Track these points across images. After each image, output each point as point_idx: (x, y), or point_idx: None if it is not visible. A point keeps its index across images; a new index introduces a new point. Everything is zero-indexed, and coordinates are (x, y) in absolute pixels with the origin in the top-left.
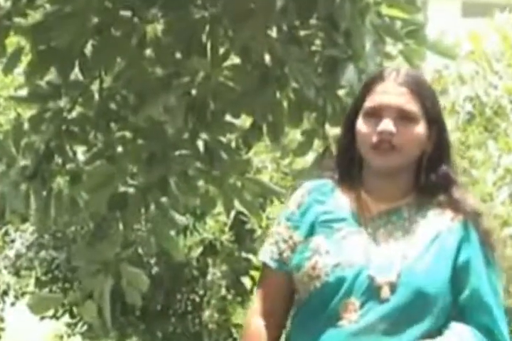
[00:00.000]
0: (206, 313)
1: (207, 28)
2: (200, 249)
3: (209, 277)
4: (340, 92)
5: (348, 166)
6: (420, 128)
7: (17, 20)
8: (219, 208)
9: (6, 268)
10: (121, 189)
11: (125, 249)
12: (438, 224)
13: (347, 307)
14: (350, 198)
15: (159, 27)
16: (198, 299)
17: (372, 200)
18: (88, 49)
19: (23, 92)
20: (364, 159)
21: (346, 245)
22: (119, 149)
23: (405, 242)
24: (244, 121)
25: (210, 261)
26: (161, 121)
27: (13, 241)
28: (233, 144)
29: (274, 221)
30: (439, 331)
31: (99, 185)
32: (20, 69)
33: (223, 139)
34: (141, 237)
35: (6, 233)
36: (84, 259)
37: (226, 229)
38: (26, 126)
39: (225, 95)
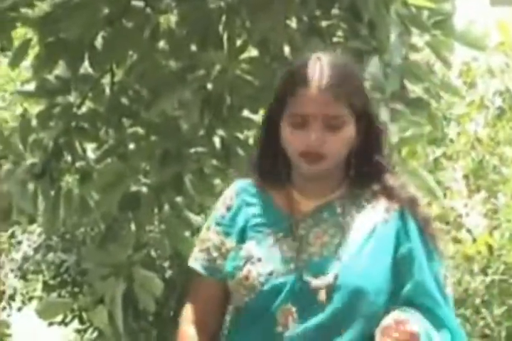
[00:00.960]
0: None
1: (223, 18)
2: None
3: None
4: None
5: (274, 165)
6: (349, 131)
7: (24, 11)
8: None
9: (12, 271)
10: (134, 188)
11: (137, 251)
12: (373, 216)
13: (284, 314)
14: (281, 198)
15: (173, 18)
16: None
17: (303, 198)
18: (98, 41)
19: (31, 87)
20: (292, 161)
21: (278, 251)
22: (131, 146)
23: (340, 240)
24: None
25: None
26: (175, 116)
27: (19, 243)
28: (251, 141)
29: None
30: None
31: (110, 184)
32: (26, 62)
33: (240, 136)
34: (154, 239)
35: (13, 235)
36: (95, 262)
37: None
38: (34, 122)
39: (243, 89)
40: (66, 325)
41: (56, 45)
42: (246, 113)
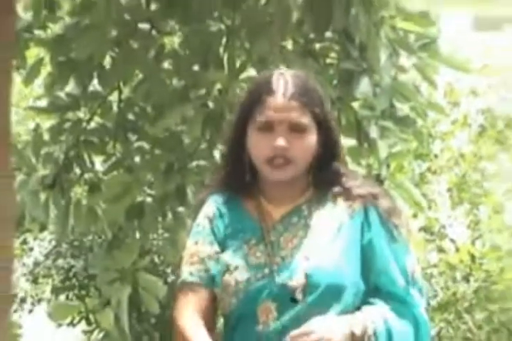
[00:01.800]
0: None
1: (224, 40)
2: None
3: None
4: (355, 104)
5: (242, 176)
6: (311, 137)
7: (37, 32)
8: None
9: (24, 275)
10: (139, 198)
11: (142, 258)
12: (338, 214)
13: (265, 313)
14: (252, 207)
15: (177, 39)
16: None
17: (273, 206)
18: (107, 61)
19: (43, 103)
20: (259, 170)
21: (252, 258)
22: (137, 159)
23: (309, 241)
24: None
25: None
26: (178, 131)
27: (31, 249)
28: None
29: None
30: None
31: (117, 195)
32: (39, 80)
33: None
34: (158, 246)
35: (25, 241)
36: (102, 267)
37: None
38: (46, 136)
39: None
40: (74, 326)
41: (67, 64)
42: None
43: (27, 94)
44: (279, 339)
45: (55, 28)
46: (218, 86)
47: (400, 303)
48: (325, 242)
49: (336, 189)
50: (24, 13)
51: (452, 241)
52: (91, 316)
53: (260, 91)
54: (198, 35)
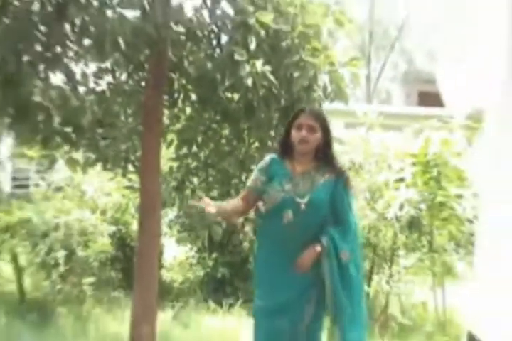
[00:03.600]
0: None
1: None
2: None
3: None
4: None
5: (286, 149)
6: (318, 134)
7: None
8: None
9: None
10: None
11: None
12: (325, 176)
13: (286, 214)
14: (289, 164)
15: None
16: None
17: (298, 166)
18: None
19: None
20: (294, 146)
21: (285, 187)
22: None
23: (310, 185)
24: None
25: None
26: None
27: None
28: None
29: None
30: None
31: None
32: None
33: None
34: None
35: None
36: None
37: None
38: None
39: None
40: None
41: None
42: None
43: None
44: (292, 229)
45: None
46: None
47: (344, 223)
48: (317, 187)
49: (327, 164)
50: None
51: None
52: None
53: (297, 114)
54: None
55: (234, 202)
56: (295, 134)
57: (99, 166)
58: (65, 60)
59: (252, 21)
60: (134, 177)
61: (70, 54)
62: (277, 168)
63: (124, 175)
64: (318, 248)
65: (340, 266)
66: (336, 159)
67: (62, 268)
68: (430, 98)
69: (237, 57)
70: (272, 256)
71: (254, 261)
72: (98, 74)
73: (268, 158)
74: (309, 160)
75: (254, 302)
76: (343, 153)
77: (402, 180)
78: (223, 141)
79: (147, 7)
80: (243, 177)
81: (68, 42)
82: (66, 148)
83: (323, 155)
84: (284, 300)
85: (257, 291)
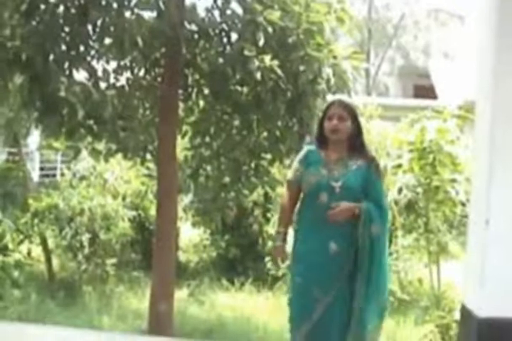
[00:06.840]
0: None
1: None
2: None
3: None
4: None
5: (322, 139)
6: (348, 123)
7: None
8: None
9: None
10: None
11: None
12: (358, 163)
13: (322, 197)
14: (324, 153)
15: None
16: None
17: (331, 153)
18: None
19: None
20: (328, 136)
21: (322, 172)
22: None
23: (344, 171)
24: None
25: None
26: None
27: None
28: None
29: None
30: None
31: None
32: None
33: None
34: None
35: None
36: None
37: None
38: None
39: None
40: None
41: None
42: None
43: None
44: (327, 208)
45: None
46: None
47: (380, 206)
48: (351, 172)
49: (360, 151)
50: None
51: None
52: None
53: (329, 106)
54: None
55: (284, 205)
56: (327, 124)
57: (119, 156)
58: (88, 58)
59: (260, 19)
60: (152, 165)
61: (92, 52)
62: (313, 158)
63: (142, 164)
64: (357, 209)
65: (370, 236)
66: (367, 147)
67: (86, 250)
68: (425, 91)
69: (246, 52)
70: (310, 236)
71: (294, 241)
72: (118, 71)
73: (305, 149)
74: (343, 149)
75: (293, 279)
76: None
77: (399, 166)
78: (234, 131)
79: (163, 8)
80: (252, 165)
81: (90, 42)
82: (89, 139)
83: (355, 143)
84: (322, 278)
85: (295, 268)
